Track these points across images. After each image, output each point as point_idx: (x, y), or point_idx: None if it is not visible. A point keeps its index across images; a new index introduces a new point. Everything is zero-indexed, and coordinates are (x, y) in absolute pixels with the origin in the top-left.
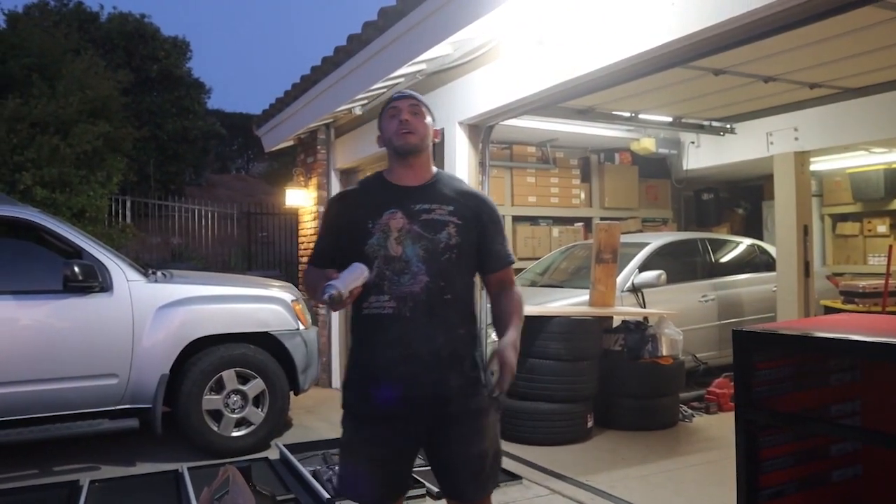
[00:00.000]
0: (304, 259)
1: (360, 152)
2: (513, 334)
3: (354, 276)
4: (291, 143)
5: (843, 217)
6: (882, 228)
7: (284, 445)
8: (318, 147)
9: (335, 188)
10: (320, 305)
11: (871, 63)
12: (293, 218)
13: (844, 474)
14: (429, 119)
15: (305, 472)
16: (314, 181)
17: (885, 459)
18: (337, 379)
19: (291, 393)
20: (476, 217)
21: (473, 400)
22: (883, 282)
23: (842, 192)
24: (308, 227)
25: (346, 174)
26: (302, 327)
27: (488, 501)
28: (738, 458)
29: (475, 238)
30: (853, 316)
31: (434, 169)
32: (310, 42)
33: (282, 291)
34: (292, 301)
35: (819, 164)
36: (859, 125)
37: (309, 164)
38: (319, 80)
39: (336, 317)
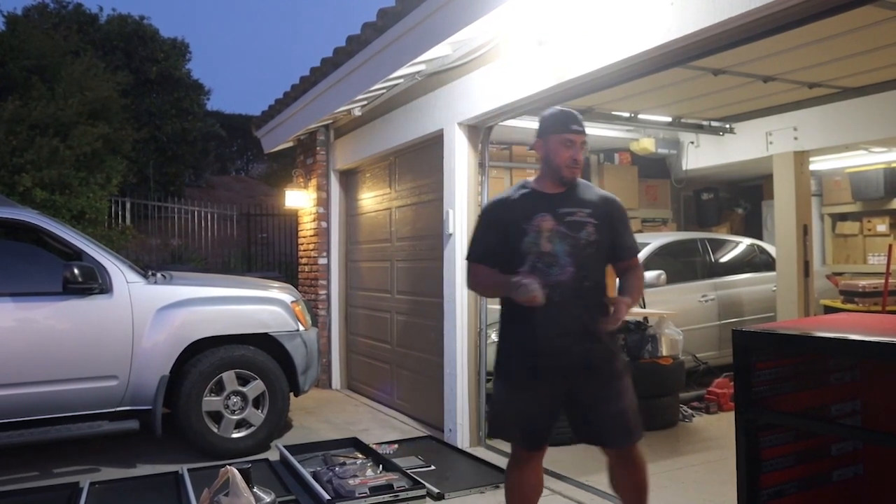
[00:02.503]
0: (305, 260)
1: (359, 153)
2: (629, 297)
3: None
4: (291, 144)
5: (843, 216)
6: (882, 228)
7: (285, 446)
8: (318, 148)
9: (334, 189)
10: (315, 306)
11: (871, 62)
12: (293, 219)
13: (845, 474)
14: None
15: (306, 473)
16: (313, 182)
17: (885, 459)
18: (338, 380)
19: (291, 394)
20: (608, 217)
21: (613, 366)
22: (883, 281)
23: (841, 192)
24: (308, 227)
25: (345, 175)
26: (302, 328)
27: (637, 449)
28: (739, 458)
29: (608, 235)
30: (853, 315)
31: None
32: (309, 43)
33: (281, 293)
34: (292, 302)
35: (818, 164)
36: (858, 125)
37: (308, 166)
38: (319, 82)
39: (335, 317)
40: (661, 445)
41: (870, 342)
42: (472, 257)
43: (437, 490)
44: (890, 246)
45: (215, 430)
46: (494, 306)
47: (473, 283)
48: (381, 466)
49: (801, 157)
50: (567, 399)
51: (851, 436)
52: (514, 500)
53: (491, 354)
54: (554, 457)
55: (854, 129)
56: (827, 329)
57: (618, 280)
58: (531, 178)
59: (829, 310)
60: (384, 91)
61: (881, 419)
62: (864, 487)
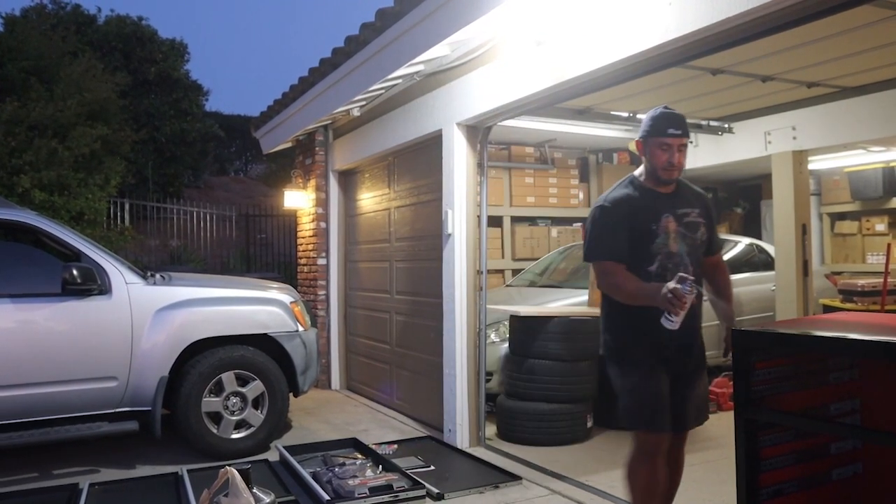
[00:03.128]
0: (304, 261)
1: (359, 153)
2: (729, 310)
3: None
4: (290, 144)
5: (842, 216)
6: (881, 227)
7: (284, 447)
8: (317, 149)
9: (333, 190)
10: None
11: (869, 62)
12: (292, 220)
13: (844, 472)
14: (688, 142)
15: (305, 473)
16: (312, 183)
17: (884, 457)
18: (337, 380)
19: (291, 395)
20: (710, 215)
21: (704, 357)
22: (882, 280)
23: (840, 191)
24: (307, 228)
25: (344, 176)
26: (301, 329)
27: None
28: (738, 458)
29: (710, 232)
30: (852, 314)
31: None
32: (308, 44)
33: (280, 293)
34: (291, 303)
35: (817, 163)
36: (857, 124)
37: (307, 166)
38: (317, 82)
39: (334, 318)
40: None
41: (868, 341)
42: (603, 256)
43: (436, 490)
44: (888, 245)
45: (215, 431)
46: (492, 306)
47: (609, 284)
48: (380, 467)
49: (800, 157)
50: (670, 387)
51: (850, 435)
52: (649, 497)
53: (491, 355)
54: (553, 456)
55: (852, 129)
56: (826, 328)
57: (707, 280)
58: (637, 174)
59: (828, 309)
60: (383, 91)
61: (880, 418)
62: (864, 486)
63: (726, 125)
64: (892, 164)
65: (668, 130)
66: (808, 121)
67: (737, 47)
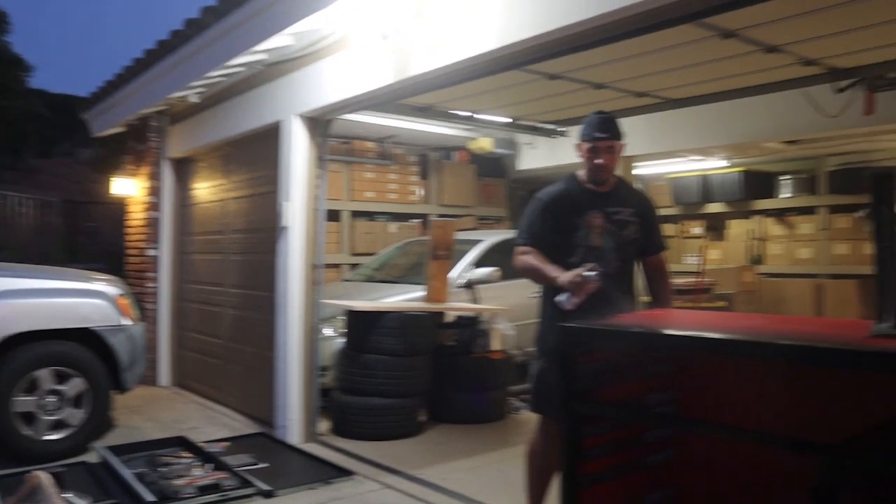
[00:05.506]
0: (133, 251)
1: (196, 141)
2: (668, 306)
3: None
4: (122, 129)
5: (664, 219)
6: (697, 230)
7: (106, 448)
8: (151, 135)
9: (167, 178)
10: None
11: (691, 77)
12: (121, 208)
13: (657, 459)
14: (619, 142)
15: (128, 474)
16: (145, 170)
17: (694, 444)
18: (166, 376)
19: (116, 392)
20: (646, 215)
21: None
22: (697, 279)
23: (663, 196)
24: (137, 217)
25: (180, 164)
26: (128, 323)
27: None
28: (562, 448)
29: (645, 232)
30: (668, 311)
31: (615, 176)
32: (148, 23)
33: (106, 285)
34: (117, 295)
35: (643, 169)
36: (679, 134)
37: (140, 152)
38: (153, 65)
39: (164, 311)
40: (491, 437)
41: (681, 336)
42: (524, 240)
43: (267, 488)
44: (703, 247)
45: (28, 433)
46: (328, 301)
47: (519, 261)
48: (209, 465)
49: (627, 162)
50: None
51: (665, 424)
52: (546, 479)
53: (326, 350)
54: (386, 451)
55: (675, 138)
56: (643, 324)
57: (648, 282)
58: (581, 173)
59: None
60: (223, 79)
61: (691, 407)
62: (674, 471)
63: (561, 129)
64: (708, 173)
65: (596, 135)
66: (636, 129)
67: (572, 55)
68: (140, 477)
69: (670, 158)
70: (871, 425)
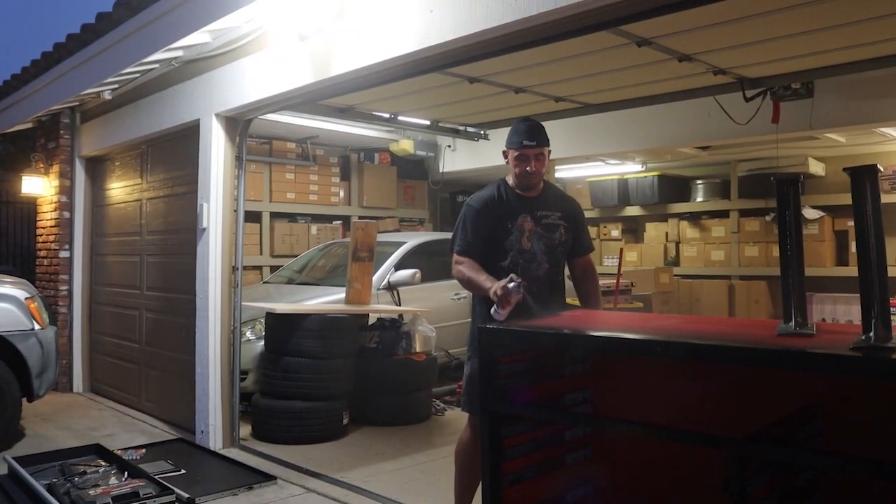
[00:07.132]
0: (44, 253)
1: (109, 140)
2: (597, 308)
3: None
4: (30, 125)
5: None
6: (615, 233)
7: (14, 458)
8: (62, 132)
9: (80, 177)
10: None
11: (607, 83)
12: (31, 208)
13: (576, 457)
14: (547, 149)
15: (38, 486)
16: (56, 169)
17: (610, 441)
18: (79, 382)
19: (25, 400)
20: (573, 218)
21: None
22: (615, 281)
23: (582, 199)
24: (48, 218)
25: (92, 162)
26: (38, 327)
27: None
28: (483, 448)
29: (573, 234)
30: (586, 313)
31: (543, 180)
32: (61, 14)
33: (14, 288)
34: (26, 299)
35: (563, 172)
36: (597, 138)
37: (50, 150)
38: (64, 59)
39: (78, 315)
40: (414, 439)
41: (595, 336)
42: (459, 248)
43: (186, 495)
44: (621, 249)
45: None
46: (249, 304)
47: (456, 272)
48: (126, 473)
49: (549, 165)
50: None
51: (582, 422)
52: (474, 478)
53: (246, 353)
54: (309, 455)
55: (593, 142)
56: (561, 326)
57: (576, 283)
58: (509, 178)
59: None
60: (138, 75)
61: (607, 406)
62: (592, 467)
63: (482, 132)
64: (626, 176)
65: (523, 142)
66: (556, 132)
67: (492, 59)
68: (52, 488)
69: (589, 162)
70: (777, 419)
